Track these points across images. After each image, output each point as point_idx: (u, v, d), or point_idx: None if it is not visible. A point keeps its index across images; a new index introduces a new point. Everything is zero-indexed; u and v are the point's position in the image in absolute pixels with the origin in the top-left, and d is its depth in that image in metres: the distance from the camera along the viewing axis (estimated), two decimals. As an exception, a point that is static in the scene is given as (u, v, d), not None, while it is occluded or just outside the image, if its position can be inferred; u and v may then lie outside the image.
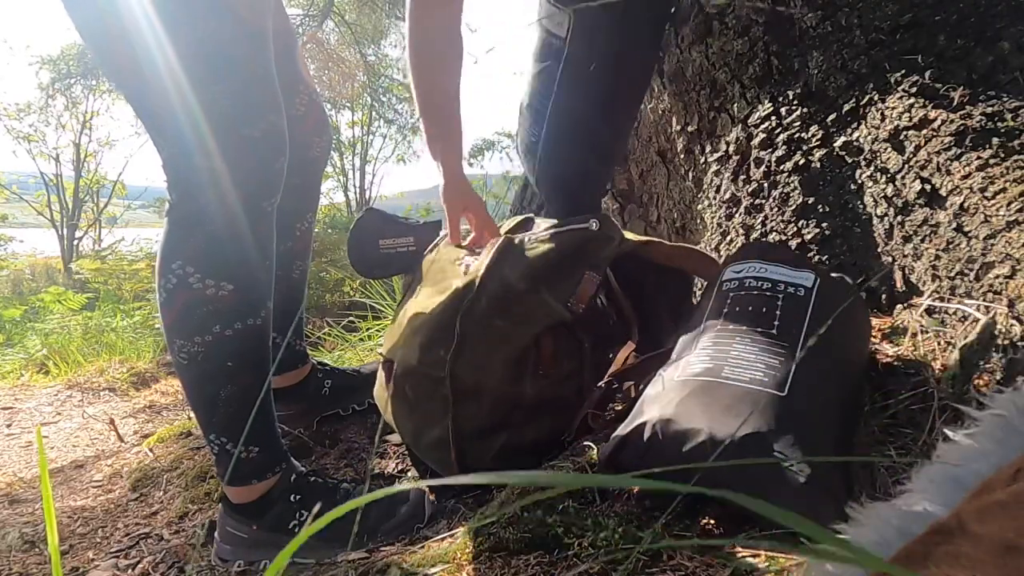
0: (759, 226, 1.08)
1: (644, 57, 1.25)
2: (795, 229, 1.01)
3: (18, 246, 9.36)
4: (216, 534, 0.99)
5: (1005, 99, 0.82)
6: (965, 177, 0.79)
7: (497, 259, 0.95)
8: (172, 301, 0.88)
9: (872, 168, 0.93)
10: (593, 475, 0.21)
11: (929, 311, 0.81)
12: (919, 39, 0.92)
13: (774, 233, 1.05)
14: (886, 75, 0.94)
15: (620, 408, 0.93)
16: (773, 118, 1.07)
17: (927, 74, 0.90)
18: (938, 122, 0.85)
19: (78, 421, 1.91)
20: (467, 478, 0.18)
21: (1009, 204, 0.73)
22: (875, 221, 0.93)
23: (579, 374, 0.96)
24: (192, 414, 1.66)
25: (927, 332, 0.79)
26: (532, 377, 0.92)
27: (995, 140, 0.79)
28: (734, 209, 1.14)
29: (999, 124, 0.80)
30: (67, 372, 2.67)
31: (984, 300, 0.73)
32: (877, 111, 0.93)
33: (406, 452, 1.16)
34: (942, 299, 0.80)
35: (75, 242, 9.13)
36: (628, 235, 1.01)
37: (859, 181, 0.95)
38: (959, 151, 0.81)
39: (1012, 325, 0.68)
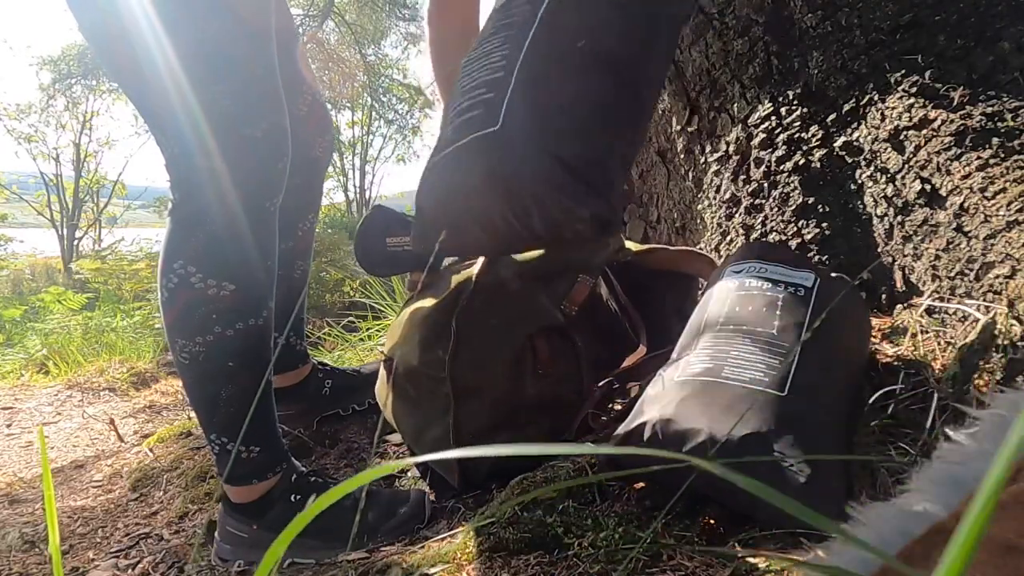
0: (759, 226, 1.08)
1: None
2: (795, 229, 1.01)
3: (18, 246, 9.36)
4: (216, 534, 0.99)
5: (1005, 99, 0.82)
6: (965, 177, 0.79)
7: (492, 260, 0.96)
8: (174, 301, 0.88)
9: (872, 168, 0.93)
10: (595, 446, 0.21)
11: (929, 311, 0.81)
12: (919, 39, 0.92)
13: (774, 233, 1.05)
14: (886, 75, 0.94)
15: (620, 408, 0.93)
16: (773, 118, 1.07)
17: (927, 74, 0.90)
18: (938, 122, 0.85)
19: (78, 421, 1.91)
20: (459, 452, 0.18)
21: (1009, 204, 0.73)
22: (875, 221, 0.93)
23: (577, 375, 0.96)
24: (192, 414, 1.66)
25: (927, 332, 0.79)
26: (532, 377, 0.92)
27: (995, 140, 0.79)
28: (734, 209, 1.14)
29: (999, 124, 0.80)
30: (67, 372, 2.67)
31: (984, 300, 0.73)
32: (877, 111, 0.93)
33: (406, 452, 1.17)
34: (942, 299, 0.80)
35: (75, 242, 9.13)
36: (629, 244, 1.02)
37: (859, 181, 0.95)
38: (959, 151, 0.81)
39: (1012, 325, 0.68)
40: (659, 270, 1.05)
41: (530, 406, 0.92)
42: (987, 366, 0.69)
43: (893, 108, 0.91)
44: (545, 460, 0.89)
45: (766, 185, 1.07)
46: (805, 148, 1.02)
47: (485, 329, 0.91)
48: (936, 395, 0.67)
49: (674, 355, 0.78)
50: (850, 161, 0.97)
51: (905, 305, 0.87)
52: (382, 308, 2.33)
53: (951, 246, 0.79)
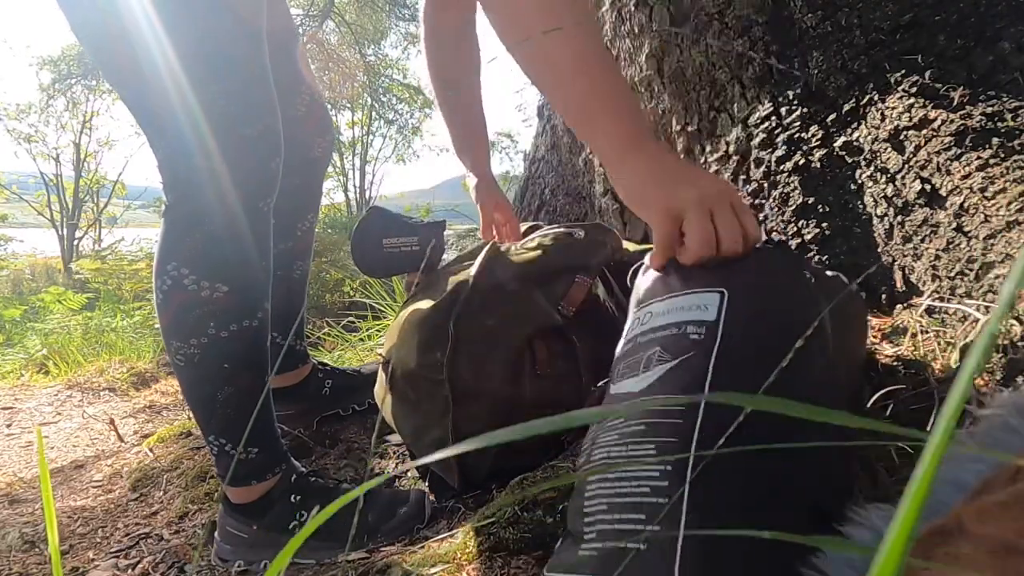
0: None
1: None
2: (795, 229, 1.01)
3: (18, 246, 9.37)
4: (216, 534, 0.99)
5: (1005, 99, 0.82)
6: (965, 177, 0.79)
7: (488, 261, 0.96)
8: (168, 303, 0.88)
9: (872, 168, 0.93)
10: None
11: (929, 311, 0.81)
12: (919, 39, 0.92)
13: (774, 233, 1.05)
14: (886, 75, 0.94)
15: (620, 408, 0.93)
16: (773, 118, 1.07)
17: (927, 74, 0.90)
18: (938, 122, 0.85)
19: (78, 421, 1.91)
20: (459, 447, 0.18)
21: (1009, 204, 0.73)
22: (875, 221, 0.93)
23: (576, 375, 0.96)
24: (192, 414, 1.66)
25: (927, 332, 0.79)
26: (530, 378, 0.92)
27: (995, 140, 0.79)
28: (734, 209, 1.14)
29: (999, 124, 0.80)
30: (67, 372, 2.67)
31: (984, 300, 0.73)
32: (877, 111, 0.93)
33: (406, 452, 1.16)
34: (942, 299, 0.80)
35: (75, 242, 9.14)
36: (628, 244, 1.02)
37: (859, 181, 0.95)
38: (959, 151, 0.81)
39: (1012, 325, 0.68)
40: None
41: (529, 407, 0.92)
42: (987, 366, 0.69)
43: (893, 108, 0.91)
44: (545, 460, 0.89)
45: (766, 185, 1.07)
46: (805, 148, 1.02)
47: (483, 331, 0.91)
48: (936, 395, 0.67)
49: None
50: (850, 161, 0.97)
51: (905, 305, 0.87)
52: (382, 308, 2.33)
53: (951, 246, 0.79)
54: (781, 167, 1.04)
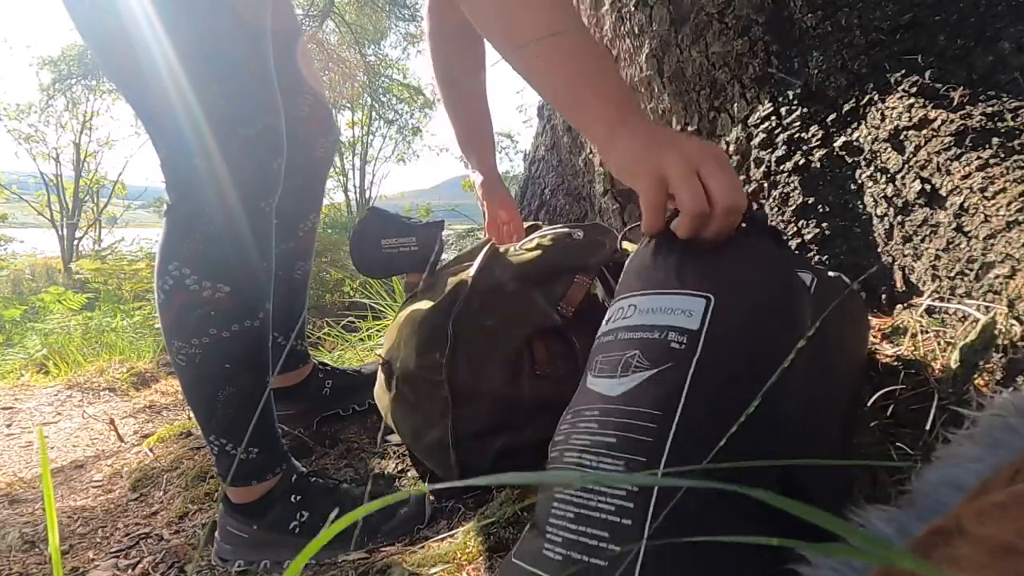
0: (759, 226, 1.08)
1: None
2: (795, 229, 1.01)
3: (18, 246, 9.37)
4: (216, 534, 0.99)
5: (1005, 99, 0.82)
6: (965, 177, 0.79)
7: (487, 262, 0.96)
8: (169, 303, 0.88)
9: (872, 168, 0.93)
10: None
11: (929, 311, 0.81)
12: (919, 39, 0.92)
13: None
14: (886, 75, 0.94)
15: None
16: (773, 118, 1.07)
17: (927, 74, 0.90)
18: (938, 122, 0.85)
19: (78, 421, 1.91)
20: (467, 481, 0.19)
21: (1009, 204, 0.73)
22: (875, 221, 0.93)
23: (575, 376, 0.96)
24: (192, 414, 1.66)
25: (927, 332, 0.79)
26: (529, 378, 0.92)
27: (995, 140, 0.79)
28: (734, 209, 1.14)
29: (999, 124, 0.80)
30: (67, 372, 2.67)
31: (984, 300, 0.73)
32: (877, 111, 0.93)
33: (406, 452, 1.16)
34: (942, 299, 0.80)
35: (75, 242, 9.14)
36: (626, 245, 1.02)
37: (859, 181, 0.95)
38: (959, 151, 0.81)
39: (1012, 325, 0.68)
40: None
41: (528, 408, 0.92)
42: (987, 366, 0.69)
43: (893, 108, 0.91)
44: (545, 461, 0.89)
45: (766, 185, 1.07)
46: (805, 148, 1.02)
47: (482, 331, 0.91)
48: (936, 395, 0.67)
49: None
50: (850, 161, 0.97)
51: (905, 305, 0.87)
52: (382, 308, 2.33)
53: (951, 246, 0.79)
54: (781, 167, 1.04)
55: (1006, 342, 0.68)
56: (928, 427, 0.65)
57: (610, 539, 0.49)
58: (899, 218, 0.87)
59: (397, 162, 13.32)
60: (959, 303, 0.76)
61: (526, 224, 1.21)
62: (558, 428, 0.60)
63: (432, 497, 1.00)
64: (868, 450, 0.67)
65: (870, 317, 0.86)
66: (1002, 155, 0.77)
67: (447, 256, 1.20)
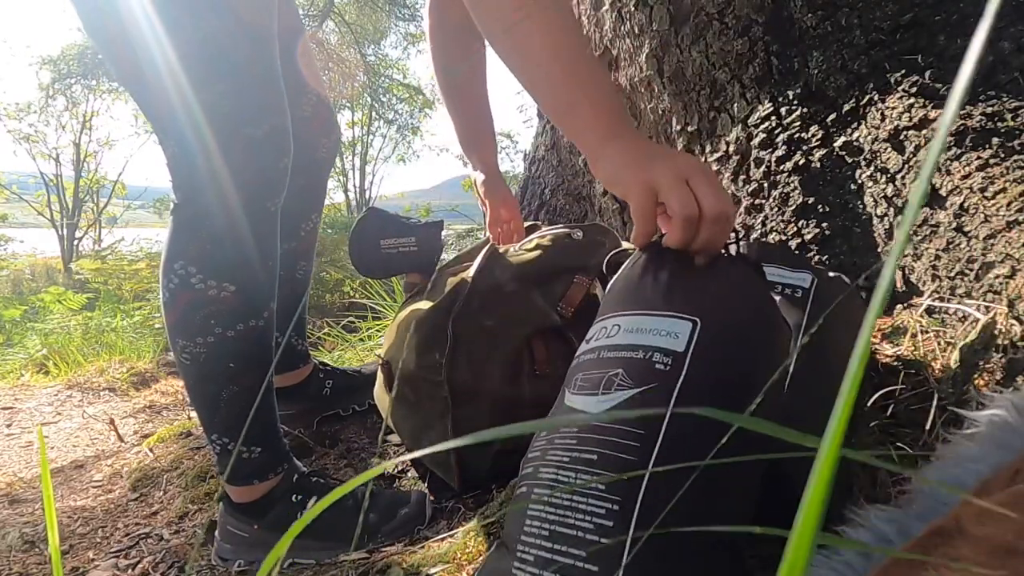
0: (759, 226, 1.08)
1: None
2: (795, 229, 1.01)
3: (18, 246, 9.37)
4: (217, 533, 1.00)
5: (1005, 99, 0.82)
6: (965, 177, 0.79)
7: (487, 262, 0.96)
8: (174, 301, 0.88)
9: (872, 168, 0.93)
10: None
11: (929, 311, 0.81)
12: (919, 39, 0.92)
13: (774, 233, 1.05)
14: (886, 75, 0.94)
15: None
16: (773, 118, 1.07)
17: (927, 74, 0.90)
18: (938, 122, 0.85)
19: (78, 421, 1.91)
20: (456, 441, 0.18)
21: (1009, 204, 0.73)
22: (875, 221, 0.93)
23: (578, 375, 0.96)
24: (193, 414, 1.66)
25: (927, 332, 0.79)
26: (529, 378, 0.92)
27: (995, 140, 0.79)
28: (734, 209, 1.14)
29: (999, 124, 0.80)
30: (67, 372, 2.67)
31: (984, 300, 0.73)
32: (877, 111, 0.93)
33: (406, 453, 1.17)
34: (942, 299, 0.80)
35: (75, 242, 9.14)
36: (625, 244, 1.02)
37: (859, 181, 0.95)
38: (959, 151, 0.81)
39: (1012, 325, 0.68)
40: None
41: (528, 407, 0.92)
42: (987, 366, 0.69)
43: (893, 108, 0.91)
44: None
45: (766, 185, 1.07)
46: (805, 148, 1.02)
47: (482, 331, 0.91)
48: (936, 395, 0.67)
49: None
50: (850, 161, 0.97)
51: (905, 305, 0.87)
52: (382, 308, 2.33)
53: (951, 246, 0.79)
54: (781, 167, 1.04)
55: (1006, 342, 0.68)
56: (928, 427, 0.65)
57: (586, 559, 0.47)
58: (899, 218, 0.87)
59: (397, 162, 13.33)
60: (959, 303, 0.76)
61: (526, 224, 1.21)
62: (532, 445, 0.59)
63: (432, 497, 1.00)
64: (868, 450, 0.67)
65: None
66: (1002, 155, 0.77)
67: (446, 256, 1.20)
